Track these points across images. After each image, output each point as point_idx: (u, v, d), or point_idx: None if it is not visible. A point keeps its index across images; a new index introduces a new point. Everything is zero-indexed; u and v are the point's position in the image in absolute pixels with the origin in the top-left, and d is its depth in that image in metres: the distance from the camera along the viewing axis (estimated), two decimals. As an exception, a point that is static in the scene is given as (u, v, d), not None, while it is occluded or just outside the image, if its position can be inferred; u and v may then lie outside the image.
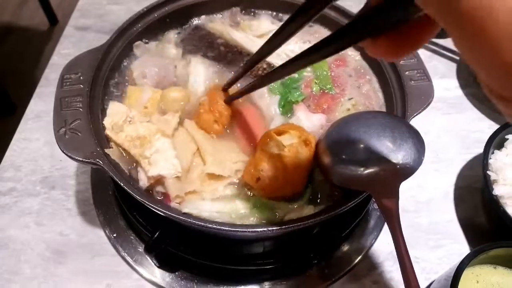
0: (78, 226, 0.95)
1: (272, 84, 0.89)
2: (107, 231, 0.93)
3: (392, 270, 0.90)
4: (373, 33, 0.40)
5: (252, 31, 0.98)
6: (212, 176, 0.77)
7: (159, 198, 0.76)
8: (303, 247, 0.86)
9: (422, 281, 0.89)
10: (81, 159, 0.72)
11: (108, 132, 0.78)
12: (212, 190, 0.76)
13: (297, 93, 0.89)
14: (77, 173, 1.02)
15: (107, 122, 0.79)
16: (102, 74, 0.86)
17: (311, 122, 0.86)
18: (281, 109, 0.87)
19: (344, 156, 0.73)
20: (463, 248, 0.95)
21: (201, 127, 0.84)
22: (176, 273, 0.88)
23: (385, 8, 0.37)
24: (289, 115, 0.87)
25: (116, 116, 0.79)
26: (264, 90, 0.89)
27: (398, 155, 0.70)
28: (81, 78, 0.83)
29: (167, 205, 0.74)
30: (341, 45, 0.47)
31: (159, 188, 0.76)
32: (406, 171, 0.70)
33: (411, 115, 0.81)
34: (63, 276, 0.88)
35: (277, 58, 0.94)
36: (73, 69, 0.84)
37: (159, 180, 0.75)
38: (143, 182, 0.75)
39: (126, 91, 0.88)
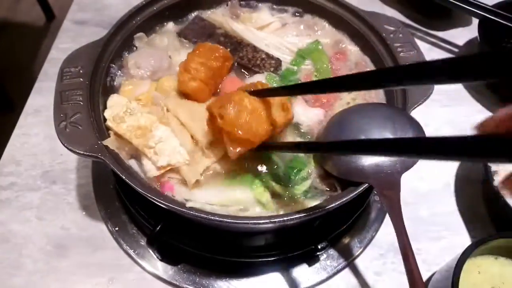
0: (80, 220, 0.95)
1: (271, 78, 0.89)
2: (108, 225, 0.93)
3: (394, 261, 0.91)
4: None
5: (252, 23, 0.98)
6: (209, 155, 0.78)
7: (171, 184, 0.77)
8: (305, 239, 0.86)
9: (424, 273, 0.89)
10: (82, 152, 0.72)
11: (109, 123, 0.78)
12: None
13: None
14: (78, 167, 1.02)
15: (107, 113, 0.79)
16: (102, 67, 0.86)
17: (309, 117, 0.86)
18: None
19: (345, 148, 0.73)
20: (464, 240, 0.95)
21: (182, 91, 0.83)
22: (179, 266, 0.88)
23: None
24: None
25: (117, 108, 0.79)
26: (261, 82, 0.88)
27: (400, 146, 0.70)
28: (81, 71, 0.82)
29: (169, 197, 0.74)
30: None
31: (172, 175, 0.77)
32: (407, 162, 0.70)
33: (411, 107, 0.81)
34: (65, 270, 0.88)
35: (278, 50, 0.94)
36: (73, 63, 0.84)
37: (170, 169, 0.76)
38: (152, 172, 0.75)
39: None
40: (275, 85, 0.88)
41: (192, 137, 0.80)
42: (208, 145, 0.78)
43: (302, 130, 0.84)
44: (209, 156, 0.78)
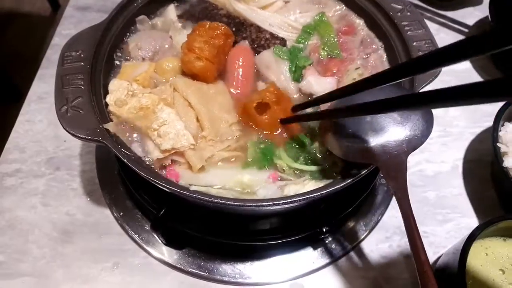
0: (84, 205, 0.95)
1: (278, 50, 0.88)
2: (113, 210, 0.93)
3: (400, 244, 0.90)
4: None
5: (255, 3, 0.95)
6: (213, 142, 0.78)
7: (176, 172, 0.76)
8: (310, 222, 0.85)
9: (431, 255, 0.89)
10: (83, 136, 0.71)
11: (111, 108, 0.77)
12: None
13: (305, 58, 0.88)
14: (82, 153, 1.02)
15: (109, 98, 0.78)
16: (103, 51, 0.85)
17: (322, 86, 0.84)
18: (292, 74, 0.87)
19: (350, 130, 0.72)
20: (472, 222, 0.94)
21: (188, 72, 0.83)
22: (183, 250, 0.88)
23: None
24: (300, 80, 0.87)
25: (118, 92, 0.78)
26: (271, 58, 0.87)
27: (406, 126, 0.69)
28: (82, 55, 0.81)
29: (172, 180, 0.73)
30: None
31: (176, 158, 0.76)
32: (414, 142, 0.68)
33: (419, 87, 0.79)
34: (71, 255, 0.89)
35: (281, 29, 0.92)
36: (73, 47, 0.82)
37: (175, 152, 0.75)
38: (155, 154, 0.74)
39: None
40: (285, 57, 0.88)
41: (197, 120, 0.79)
42: (214, 134, 0.77)
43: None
44: (215, 144, 0.77)
